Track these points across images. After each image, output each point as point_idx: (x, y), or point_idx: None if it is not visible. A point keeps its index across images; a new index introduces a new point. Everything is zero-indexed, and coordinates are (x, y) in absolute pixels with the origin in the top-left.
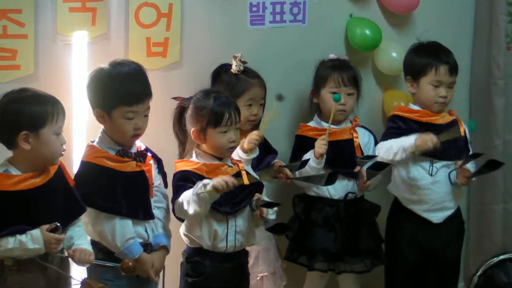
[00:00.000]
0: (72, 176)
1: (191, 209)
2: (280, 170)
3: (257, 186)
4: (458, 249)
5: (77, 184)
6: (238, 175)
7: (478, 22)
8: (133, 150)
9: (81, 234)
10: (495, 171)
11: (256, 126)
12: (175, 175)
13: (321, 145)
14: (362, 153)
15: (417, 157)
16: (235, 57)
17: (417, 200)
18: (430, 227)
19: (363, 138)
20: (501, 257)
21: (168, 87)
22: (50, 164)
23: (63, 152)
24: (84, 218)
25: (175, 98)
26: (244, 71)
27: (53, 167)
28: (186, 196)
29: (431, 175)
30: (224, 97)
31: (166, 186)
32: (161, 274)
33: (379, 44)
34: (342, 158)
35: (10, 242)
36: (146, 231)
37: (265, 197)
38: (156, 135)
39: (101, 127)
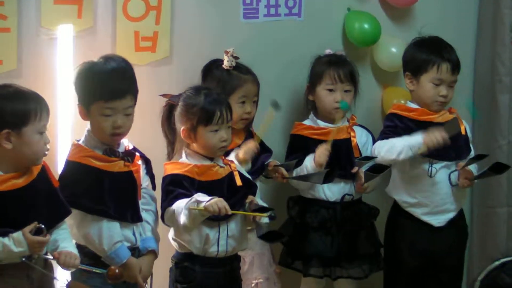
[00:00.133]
0: (57, 177)
1: (181, 221)
2: (275, 169)
3: (250, 188)
4: (461, 254)
5: (62, 184)
6: (230, 176)
7: (481, 17)
8: (121, 150)
9: (66, 237)
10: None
11: (249, 125)
12: (164, 178)
13: (322, 155)
14: (360, 153)
15: (416, 157)
16: (226, 52)
17: (417, 203)
18: (431, 231)
19: (361, 137)
20: (502, 260)
21: (158, 84)
22: (33, 164)
23: (46, 152)
24: (69, 221)
25: (163, 95)
26: (236, 67)
27: (36, 167)
28: (179, 207)
29: (430, 176)
30: (215, 93)
31: (154, 188)
32: (148, 280)
33: (378, 39)
34: (339, 158)
35: None
36: (134, 234)
37: (258, 199)
38: (144, 134)
39: (87, 125)
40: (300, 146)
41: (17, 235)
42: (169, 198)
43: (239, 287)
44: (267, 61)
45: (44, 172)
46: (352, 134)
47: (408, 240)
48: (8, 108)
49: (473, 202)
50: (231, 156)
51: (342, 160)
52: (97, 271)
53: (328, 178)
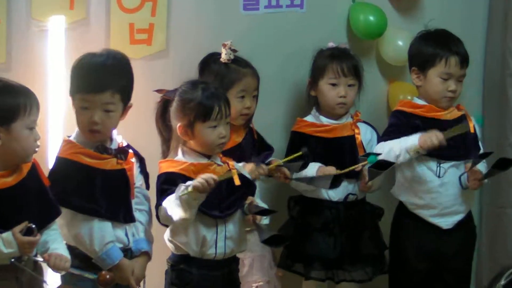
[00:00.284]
0: (47, 174)
1: (175, 214)
2: (278, 169)
3: (249, 188)
4: (469, 257)
5: (51, 182)
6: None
7: (492, 9)
8: (114, 146)
9: (57, 238)
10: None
11: (249, 121)
12: (159, 177)
13: (326, 171)
14: (364, 151)
15: (423, 157)
16: (224, 45)
17: (424, 204)
18: (438, 233)
19: (365, 134)
20: None
21: (153, 78)
22: (22, 162)
23: (37, 149)
24: (59, 220)
25: (158, 91)
26: (235, 60)
27: (26, 165)
28: (169, 201)
29: (439, 176)
30: (213, 88)
31: (148, 187)
32: (142, 282)
33: (384, 31)
34: (342, 156)
35: None
36: (126, 235)
37: (258, 200)
38: (139, 131)
39: None
40: (301, 144)
41: (7, 235)
42: (162, 197)
43: None
44: (268, 55)
45: (34, 170)
46: (356, 131)
47: (414, 242)
48: None
49: (483, 202)
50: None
51: (346, 158)
52: (88, 276)
53: (335, 183)
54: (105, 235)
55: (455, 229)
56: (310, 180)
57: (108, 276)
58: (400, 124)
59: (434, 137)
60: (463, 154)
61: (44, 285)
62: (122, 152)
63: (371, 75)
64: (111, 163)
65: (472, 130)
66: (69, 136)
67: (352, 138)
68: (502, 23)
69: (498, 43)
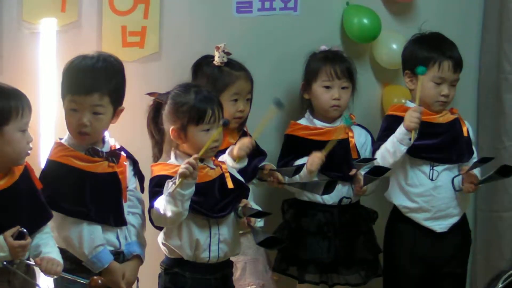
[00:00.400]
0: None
1: (168, 211)
2: (271, 174)
3: (242, 190)
4: (464, 261)
5: (42, 185)
6: (221, 177)
7: (487, 12)
8: (106, 149)
9: (49, 242)
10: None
11: (243, 124)
12: (151, 180)
13: (313, 163)
14: (358, 154)
15: (416, 161)
16: (217, 48)
17: (418, 208)
18: (432, 237)
19: (359, 137)
20: None
21: (146, 81)
22: (15, 165)
23: (29, 151)
24: (49, 223)
25: (150, 94)
26: (228, 63)
27: (18, 168)
28: (160, 202)
29: (431, 179)
30: (206, 91)
31: (142, 190)
32: (134, 286)
33: (378, 35)
34: (336, 160)
35: None
36: (118, 238)
37: (252, 202)
38: (133, 134)
39: None
40: (294, 147)
41: None
42: (153, 200)
43: None
44: (261, 58)
45: (27, 173)
46: (350, 134)
47: (408, 247)
48: None
49: (477, 207)
50: (225, 155)
51: (340, 161)
52: (80, 280)
53: (328, 189)
54: (94, 238)
55: (450, 233)
56: (303, 186)
57: (100, 281)
58: (392, 128)
59: (411, 112)
60: (456, 158)
61: (40, 279)
62: (113, 155)
63: (365, 78)
64: (102, 166)
65: (465, 134)
66: (60, 139)
67: (346, 141)
68: (497, 26)
69: (493, 47)
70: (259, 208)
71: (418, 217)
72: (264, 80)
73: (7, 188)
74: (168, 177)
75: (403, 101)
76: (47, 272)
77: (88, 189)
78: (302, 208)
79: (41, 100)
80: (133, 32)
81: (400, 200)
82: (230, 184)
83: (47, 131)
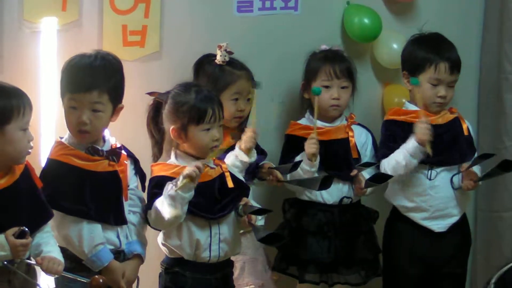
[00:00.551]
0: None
1: (167, 214)
2: (270, 172)
3: (242, 190)
4: (464, 262)
5: (42, 184)
6: (221, 177)
7: (488, 11)
8: (107, 148)
9: (49, 241)
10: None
11: (243, 123)
12: (150, 180)
13: (310, 145)
14: (359, 154)
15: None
16: (220, 47)
17: (416, 207)
18: (431, 236)
19: (359, 137)
20: None
21: (147, 80)
22: (15, 163)
23: (30, 150)
24: (49, 222)
25: (150, 94)
26: (230, 62)
27: (18, 167)
28: (158, 203)
29: (429, 179)
30: (206, 91)
31: (144, 189)
32: (134, 285)
33: (379, 34)
34: (336, 159)
35: None
36: (118, 237)
37: (252, 202)
38: (134, 133)
39: None
40: (295, 147)
41: (0, 238)
42: (151, 201)
43: None
44: (262, 57)
45: (27, 172)
46: (350, 133)
47: (407, 246)
48: None
49: (477, 206)
50: (232, 153)
51: (340, 161)
52: (81, 279)
53: (324, 185)
54: (94, 237)
55: (449, 233)
56: (300, 182)
57: (101, 280)
58: (392, 134)
59: (420, 124)
60: (458, 158)
61: (41, 279)
62: (114, 153)
63: (366, 78)
64: (102, 165)
65: (466, 133)
66: (61, 138)
67: (346, 141)
68: (498, 26)
69: (493, 46)
70: (259, 207)
71: (416, 217)
72: (264, 79)
73: (8, 187)
74: (168, 178)
75: (403, 100)
76: (48, 272)
77: (88, 188)
78: (303, 208)
79: (42, 99)
80: (134, 31)
81: (398, 200)
82: (230, 183)
83: (47, 130)
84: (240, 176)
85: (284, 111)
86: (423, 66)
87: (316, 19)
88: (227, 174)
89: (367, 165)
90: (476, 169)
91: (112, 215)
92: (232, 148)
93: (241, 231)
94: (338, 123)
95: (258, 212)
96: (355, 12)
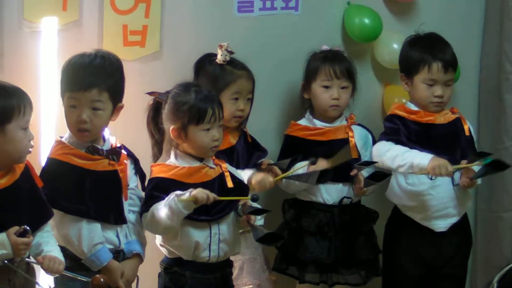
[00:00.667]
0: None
1: (162, 222)
2: (269, 168)
3: (242, 190)
4: (464, 262)
5: (42, 183)
6: (221, 177)
7: (488, 11)
8: (107, 147)
9: (50, 240)
10: (504, 175)
11: (243, 123)
12: (149, 181)
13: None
14: (358, 154)
15: None
16: (220, 46)
17: (416, 207)
18: (432, 237)
19: (360, 137)
20: None
21: (147, 80)
22: (16, 162)
23: (30, 149)
24: (49, 222)
25: (150, 93)
26: (230, 62)
27: (19, 166)
28: (156, 209)
29: (430, 179)
30: (206, 91)
31: (144, 188)
32: (134, 284)
33: (379, 34)
34: None
35: None
36: (117, 236)
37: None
38: (134, 132)
39: None
40: (294, 147)
41: (1, 236)
42: (148, 203)
43: None
44: (262, 57)
45: (27, 171)
46: (350, 134)
47: (407, 246)
48: None
49: (477, 207)
50: (246, 173)
51: None
52: (82, 278)
53: (322, 178)
54: (93, 236)
55: (450, 233)
56: (298, 177)
57: (102, 280)
58: (396, 128)
59: (444, 168)
60: (459, 158)
61: (37, 286)
62: (114, 153)
63: (366, 78)
64: (102, 164)
65: (467, 133)
66: (61, 137)
67: (346, 141)
68: (498, 27)
69: (494, 47)
70: (259, 206)
71: (417, 216)
72: (264, 79)
73: (8, 187)
74: (167, 179)
75: (403, 101)
76: (49, 271)
77: (88, 187)
78: (303, 208)
79: (42, 99)
80: (134, 31)
81: (399, 199)
82: (230, 184)
83: (47, 130)
84: (240, 176)
85: (284, 111)
86: (417, 67)
87: (316, 19)
88: (226, 174)
89: (367, 163)
90: (477, 168)
91: (112, 215)
92: (231, 148)
93: (241, 231)
94: (338, 123)
95: (256, 212)
96: (355, 12)
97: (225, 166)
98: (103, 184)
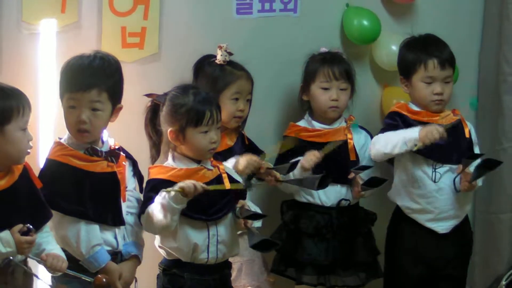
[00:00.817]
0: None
1: (157, 221)
2: (268, 172)
3: (239, 192)
4: (465, 263)
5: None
6: (219, 178)
7: (486, 14)
8: (105, 149)
9: (51, 240)
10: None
11: (242, 125)
12: (147, 183)
13: (310, 160)
14: (357, 156)
15: (419, 161)
16: (220, 47)
17: (420, 209)
18: (435, 238)
19: (359, 139)
20: None
21: (146, 82)
22: (16, 163)
23: (29, 150)
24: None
25: (148, 95)
26: (230, 63)
27: (17, 168)
28: (151, 208)
29: (434, 181)
30: (204, 93)
31: (142, 190)
32: (132, 286)
33: (378, 36)
34: (334, 161)
35: None
36: (115, 238)
37: (249, 203)
38: (132, 134)
39: None
40: (293, 148)
41: (5, 234)
42: (145, 204)
43: None
44: (261, 59)
45: (26, 172)
46: (349, 136)
47: (410, 247)
48: None
49: (476, 208)
50: (230, 162)
51: (338, 163)
52: (84, 278)
53: (322, 184)
54: (92, 238)
55: (452, 234)
56: (299, 182)
57: (104, 280)
58: (396, 124)
59: (435, 130)
60: (457, 158)
61: (38, 281)
62: (113, 154)
63: (365, 80)
64: (101, 166)
65: (467, 135)
66: (60, 138)
67: (345, 143)
68: (497, 28)
69: (492, 48)
70: (257, 209)
71: (421, 218)
72: (263, 81)
73: (8, 188)
74: (165, 181)
75: (402, 101)
76: (52, 269)
77: (86, 189)
78: (301, 210)
79: (41, 101)
80: (133, 33)
81: (403, 201)
82: (227, 185)
83: (46, 132)
84: (238, 178)
85: (283, 113)
86: (414, 67)
87: (315, 21)
88: (224, 175)
89: (363, 168)
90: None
91: (110, 216)
92: (229, 150)
93: (239, 232)
94: (337, 125)
95: (252, 217)
96: (354, 14)
97: (223, 167)
98: (101, 186)
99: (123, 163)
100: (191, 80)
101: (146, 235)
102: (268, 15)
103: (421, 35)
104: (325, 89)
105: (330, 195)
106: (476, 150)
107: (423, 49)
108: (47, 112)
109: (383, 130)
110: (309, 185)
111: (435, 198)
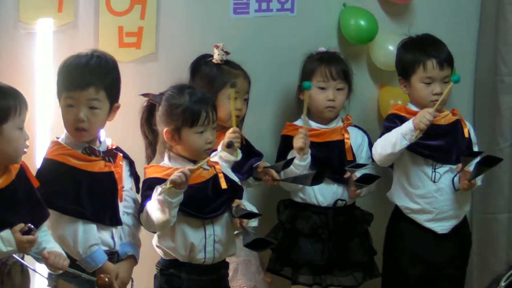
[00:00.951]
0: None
1: (155, 217)
2: (265, 171)
3: (236, 191)
4: (464, 264)
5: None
6: (215, 178)
7: (483, 14)
8: (103, 149)
9: (49, 239)
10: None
11: (240, 123)
12: (143, 182)
13: (298, 139)
14: (354, 156)
15: (418, 161)
16: (217, 46)
17: (420, 209)
18: (433, 238)
19: (355, 139)
20: None
21: (142, 81)
22: (13, 162)
23: (26, 149)
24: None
25: (144, 95)
26: (227, 62)
27: (14, 167)
28: (149, 206)
29: (434, 181)
30: (200, 93)
31: (138, 190)
32: (128, 286)
33: (375, 36)
34: (331, 161)
35: None
36: (112, 238)
37: (245, 202)
38: (129, 134)
39: None
40: (290, 147)
41: (6, 233)
42: (143, 203)
43: None
44: (258, 59)
45: (23, 172)
46: (346, 135)
47: (409, 247)
48: None
49: (473, 209)
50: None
51: (335, 162)
52: (86, 277)
53: (316, 180)
54: (89, 237)
55: (450, 234)
56: (293, 179)
57: (106, 279)
58: (395, 126)
59: (426, 113)
60: (455, 158)
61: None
62: (110, 154)
63: (362, 80)
64: (98, 166)
65: (466, 135)
66: (57, 138)
67: (341, 143)
68: (494, 28)
69: (489, 48)
70: (253, 208)
71: (420, 218)
72: (261, 81)
73: (5, 188)
74: (161, 180)
75: (399, 102)
76: (53, 266)
77: (84, 188)
78: (297, 210)
79: (37, 100)
80: (130, 33)
81: (402, 201)
82: (223, 185)
83: (43, 131)
84: (234, 177)
85: (280, 112)
86: (412, 68)
87: (312, 21)
88: (220, 175)
89: (358, 166)
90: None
91: (107, 216)
92: None
93: (236, 232)
94: (333, 125)
95: (247, 216)
96: (351, 14)
97: (219, 167)
98: (99, 186)
99: (120, 163)
100: (188, 80)
101: (143, 235)
102: (265, 14)
103: (419, 35)
104: (322, 88)
105: (327, 195)
106: (476, 150)
107: (421, 50)
108: (44, 111)
109: (383, 133)
110: (303, 181)
111: (434, 198)
